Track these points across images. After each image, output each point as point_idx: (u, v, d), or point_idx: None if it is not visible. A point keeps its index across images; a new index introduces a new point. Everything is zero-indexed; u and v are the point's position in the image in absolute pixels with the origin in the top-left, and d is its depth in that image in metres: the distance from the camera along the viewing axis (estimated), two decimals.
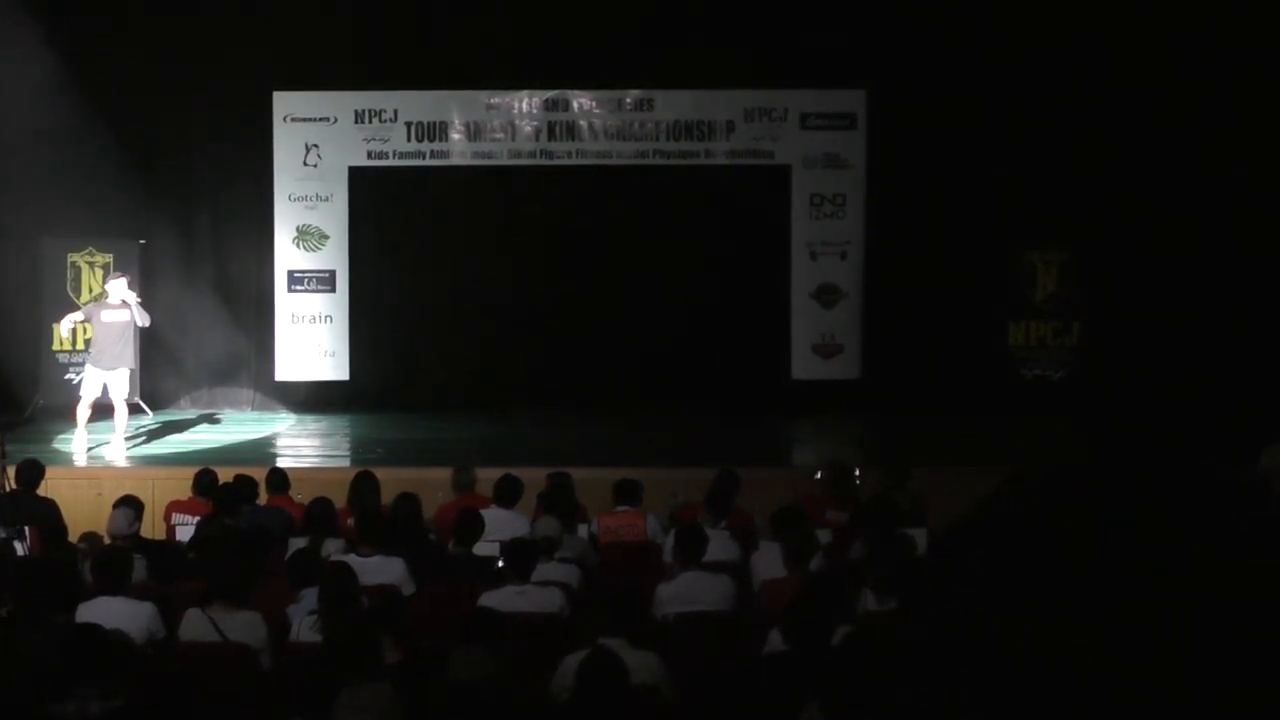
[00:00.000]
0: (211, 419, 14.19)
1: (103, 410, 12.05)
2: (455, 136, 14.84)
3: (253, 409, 14.79)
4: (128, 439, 12.21)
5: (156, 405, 14.51)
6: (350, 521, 8.08)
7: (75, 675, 4.82)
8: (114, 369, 11.86)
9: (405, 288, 14.85)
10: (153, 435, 13.06)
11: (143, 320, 11.99)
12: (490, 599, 6.24)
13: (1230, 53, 13.41)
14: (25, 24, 13.31)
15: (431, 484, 9.58)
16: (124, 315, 11.86)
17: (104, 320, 11.85)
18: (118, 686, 4.83)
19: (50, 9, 13.73)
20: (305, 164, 14.79)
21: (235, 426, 13.85)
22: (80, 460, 11.47)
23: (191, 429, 13.54)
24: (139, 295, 12.18)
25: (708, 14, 14.22)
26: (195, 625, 5.98)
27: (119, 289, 11.92)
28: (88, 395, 11.83)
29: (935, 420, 13.26)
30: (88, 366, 11.92)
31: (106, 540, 7.79)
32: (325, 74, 14.66)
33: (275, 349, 14.85)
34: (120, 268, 13.92)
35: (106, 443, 11.89)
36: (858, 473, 9.38)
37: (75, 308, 13.70)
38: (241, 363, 14.99)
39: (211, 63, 14.30)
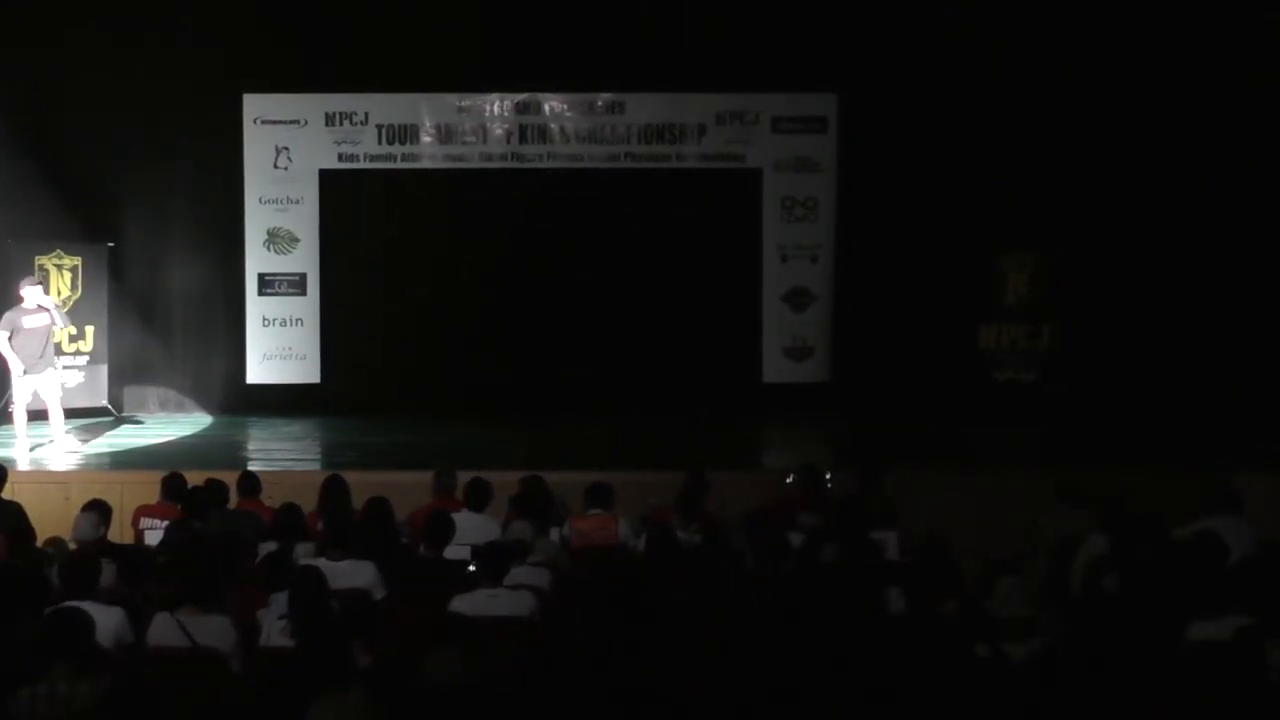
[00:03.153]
0: (181, 423, 14.11)
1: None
2: (426, 139, 14.83)
3: (223, 412, 14.72)
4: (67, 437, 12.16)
5: (125, 409, 14.44)
6: (320, 525, 8.03)
7: (47, 655, 4.87)
8: (42, 372, 11.84)
9: (376, 291, 14.81)
10: (121, 439, 12.97)
11: (62, 322, 12.07)
12: (461, 603, 6.22)
13: (1205, 53, 13.47)
14: None
15: (403, 487, 9.54)
16: (44, 319, 11.85)
17: (27, 327, 11.79)
18: (89, 667, 4.88)
19: (16, 9, 13.65)
20: (275, 166, 14.75)
21: (205, 430, 13.78)
22: (24, 465, 11.38)
23: (161, 433, 13.45)
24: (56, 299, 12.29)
25: (679, 17, 14.23)
26: (164, 630, 5.93)
27: (35, 294, 11.89)
28: (21, 401, 11.78)
29: (906, 423, 13.29)
30: (20, 372, 11.81)
31: (73, 545, 7.73)
32: (295, 76, 14.62)
33: (246, 352, 14.80)
34: (89, 270, 13.86)
35: (43, 444, 11.84)
36: (829, 476, 9.39)
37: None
38: (212, 366, 14.92)
39: (181, 64, 14.24)
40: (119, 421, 13.87)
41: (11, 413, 11.93)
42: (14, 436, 11.79)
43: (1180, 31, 13.45)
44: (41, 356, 11.85)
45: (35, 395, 11.85)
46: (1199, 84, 13.50)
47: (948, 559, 6.29)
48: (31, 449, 11.76)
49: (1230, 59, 13.31)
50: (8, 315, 11.83)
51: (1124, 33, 13.65)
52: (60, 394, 12.07)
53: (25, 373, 11.74)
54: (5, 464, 9.45)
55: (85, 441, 12.45)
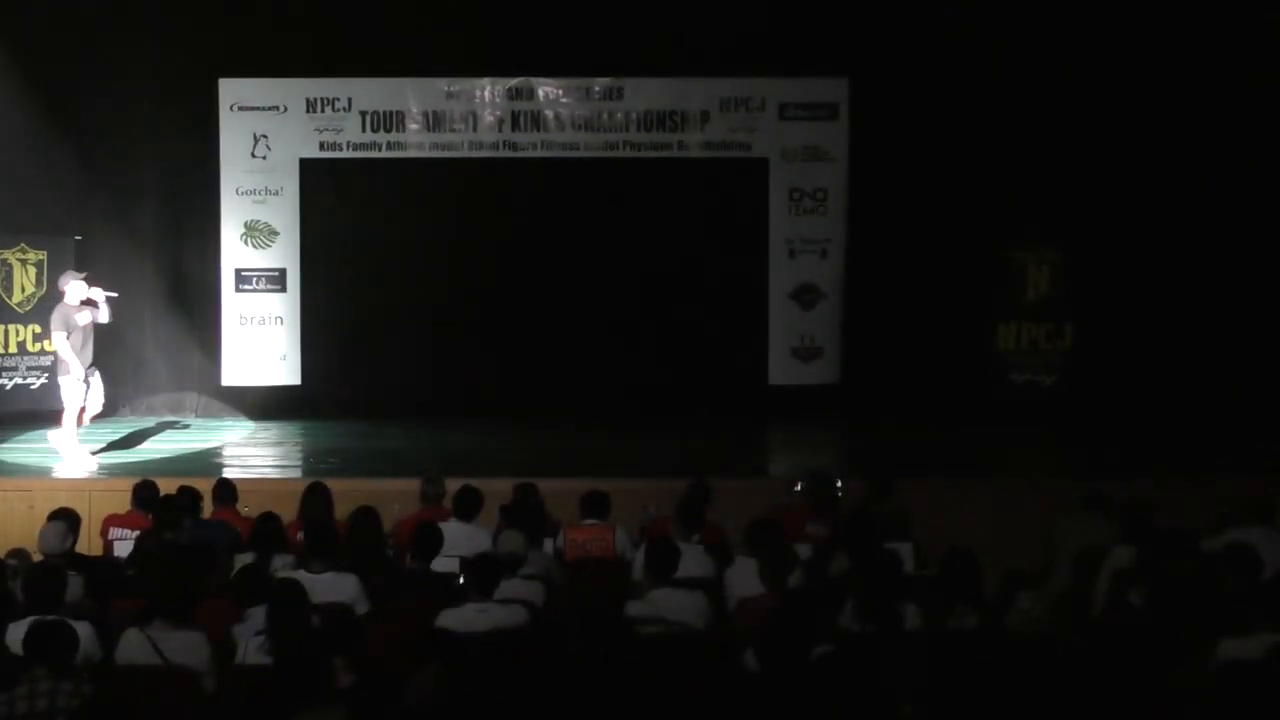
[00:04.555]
0: (153, 427, 14.10)
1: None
2: (413, 127, 14.81)
3: (197, 416, 14.72)
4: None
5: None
6: (300, 536, 8.04)
7: (31, 657, 4.97)
8: (95, 374, 11.80)
9: (360, 287, 14.80)
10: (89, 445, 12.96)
11: (107, 317, 11.89)
12: (449, 618, 6.22)
13: (1224, 50, 13.50)
14: None
15: (389, 496, 9.55)
16: (87, 317, 11.74)
17: (81, 324, 11.70)
18: (69, 672, 4.98)
19: None
20: (253, 155, 14.73)
21: (178, 435, 13.77)
22: (83, 472, 11.35)
23: (131, 438, 13.44)
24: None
25: None
26: (134, 646, 5.94)
27: (78, 290, 11.77)
28: (77, 402, 11.69)
29: (920, 427, 13.29)
30: (81, 375, 11.72)
31: (37, 556, 7.73)
32: (274, 59, 14.60)
33: (222, 352, 14.79)
34: (54, 265, 13.85)
35: (99, 447, 11.96)
36: (839, 484, 9.39)
37: (8, 308, 13.68)
38: (185, 367, 14.92)
39: (153, 47, 14.23)
40: (133, 438, 13.76)
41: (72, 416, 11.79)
42: (65, 441, 11.71)
43: (1194, 27, 13.47)
44: (91, 354, 11.77)
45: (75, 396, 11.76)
46: (1219, 78, 13.52)
47: (974, 571, 6.30)
48: (94, 451, 11.83)
49: (1242, 56, 13.36)
50: (59, 313, 11.71)
51: (1149, 24, 13.66)
52: (104, 399, 11.94)
53: (87, 371, 11.69)
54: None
55: (95, 451, 12.40)
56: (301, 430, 14.09)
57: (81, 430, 11.81)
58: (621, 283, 14.68)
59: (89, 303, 11.76)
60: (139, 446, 12.98)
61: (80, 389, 11.66)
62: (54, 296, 13.85)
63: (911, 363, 14.21)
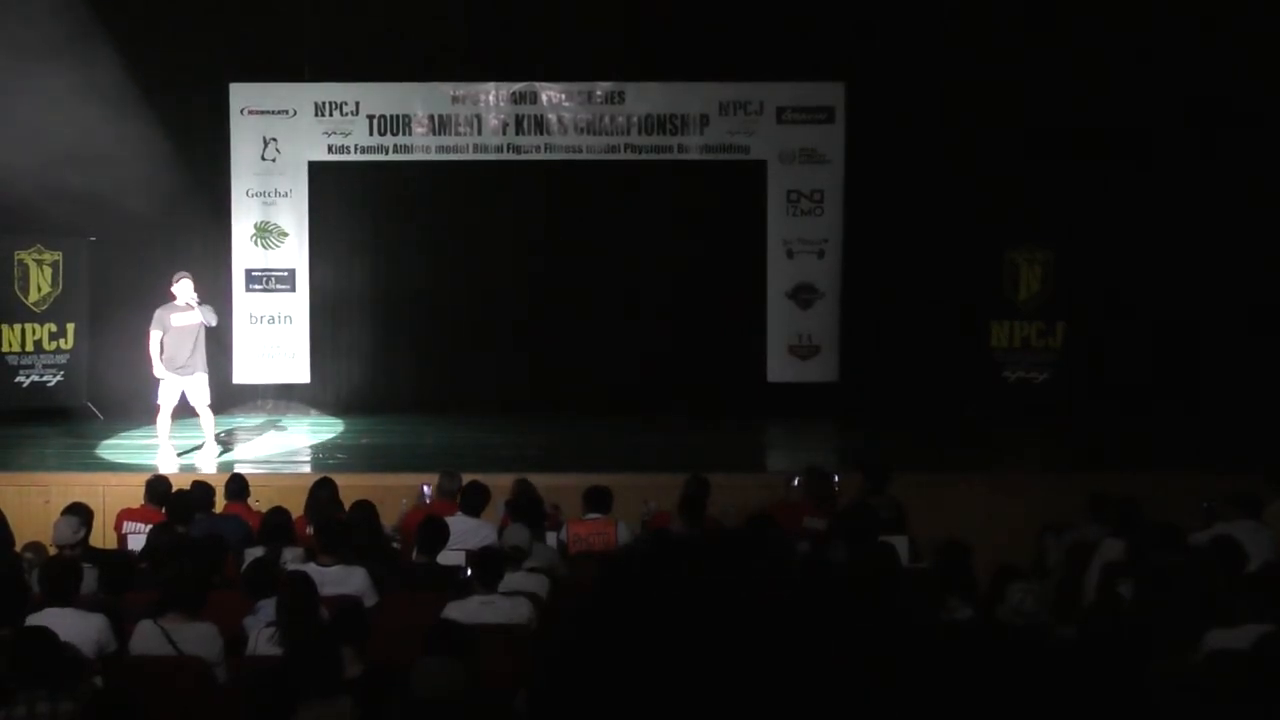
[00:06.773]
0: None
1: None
2: (419, 130, 14.80)
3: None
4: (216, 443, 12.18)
5: (107, 410, 14.42)
6: (309, 530, 8.05)
7: (24, 677, 4.88)
8: (192, 374, 11.76)
9: (368, 287, 14.81)
10: (105, 441, 12.97)
11: (210, 320, 11.84)
12: (455, 610, 6.23)
13: (1217, 46, 13.47)
14: None
15: (395, 491, 9.56)
16: (194, 318, 11.69)
17: (175, 325, 11.65)
18: (67, 689, 4.90)
19: None
20: (263, 158, 14.73)
21: (191, 432, 13.75)
22: (172, 470, 11.35)
23: (145, 434, 13.43)
24: (199, 298, 11.91)
25: (680, 3, 14.22)
26: (147, 637, 5.94)
27: (185, 291, 11.75)
28: (167, 404, 11.67)
29: (915, 424, 13.29)
30: (165, 374, 11.70)
31: (53, 550, 7.74)
32: (284, 65, 14.59)
33: (233, 350, 14.78)
34: (70, 266, 13.84)
35: (198, 448, 11.96)
36: (836, 479, 9.39)
37: (24, 307, 13.66)
38: None
39: (165, 51, 14.21)
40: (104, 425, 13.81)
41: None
42: (157, 439, 11.75)
43: (1186, 24, 13.43)
44: (191, 357, 11.73)
45: (183, 397, 11.74)
46: (1209, 77, 13.48)
47: (967, 563, 6.31)
48: (180, 454, 11.81)
49: (1234, 54, 13.31)
50: (158, 313, 11.68)
51: (1140, 24, 13.62)
52: (209, 398, 11.91)
53: (177, 372, 11.62)
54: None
55: (233, 446, 12.37)
56: (310, 426, 14.09)
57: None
58: (622, 282, 14.67)
59: (192, 306, 11.74)
60: (151, 442, 12.95)
61: (167, 388, 11.63)
62: (70, 296, 13.93)
63: (907, 360, 14.19)
